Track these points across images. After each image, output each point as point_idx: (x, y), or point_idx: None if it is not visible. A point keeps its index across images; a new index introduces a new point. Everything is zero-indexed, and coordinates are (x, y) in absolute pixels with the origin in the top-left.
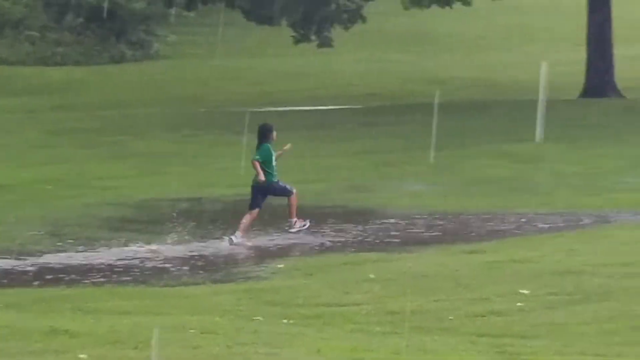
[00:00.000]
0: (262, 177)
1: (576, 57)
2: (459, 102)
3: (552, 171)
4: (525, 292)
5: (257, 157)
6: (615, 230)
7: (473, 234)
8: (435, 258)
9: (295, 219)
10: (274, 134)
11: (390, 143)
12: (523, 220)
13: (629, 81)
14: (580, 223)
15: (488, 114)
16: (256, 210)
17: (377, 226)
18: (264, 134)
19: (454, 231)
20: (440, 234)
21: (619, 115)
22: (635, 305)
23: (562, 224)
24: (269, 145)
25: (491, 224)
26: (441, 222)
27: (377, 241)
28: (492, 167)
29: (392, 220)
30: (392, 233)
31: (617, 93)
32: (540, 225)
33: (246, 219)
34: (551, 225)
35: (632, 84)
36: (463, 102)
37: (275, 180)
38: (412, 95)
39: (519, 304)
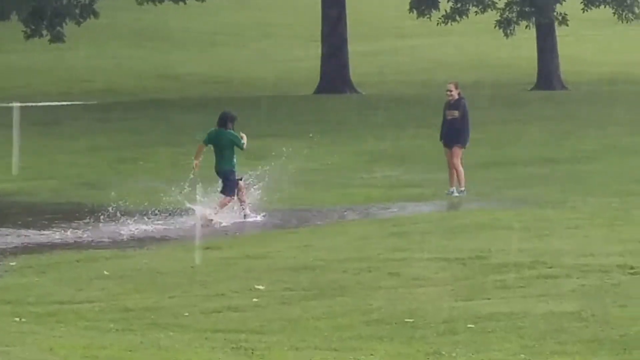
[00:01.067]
0: None
1: (312, 54)
2: (193, 99)
3: (286, 167)
4: (261, 287)
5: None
6: (349, 226)
7: (208, 229)
8: (171, 254)
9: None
10: None
11: (124, 139)
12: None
13: (364, 77)
14: (316, 219)
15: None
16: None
17: (112, 223)
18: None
19: (190, 227)
20: (175, 230)
21: (354, 111)
22: (369, 299)
23: (296, 220)
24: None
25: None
26: (179, 219)
27: (112, 238)
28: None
29: (127, 217)
30: (127, 230)
31: (352, 89)
32: (276, 222)
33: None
34: (286, 221)
35: (367, 80)
36: (197, 98)
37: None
38: (146, 91)
39: (254, 299)
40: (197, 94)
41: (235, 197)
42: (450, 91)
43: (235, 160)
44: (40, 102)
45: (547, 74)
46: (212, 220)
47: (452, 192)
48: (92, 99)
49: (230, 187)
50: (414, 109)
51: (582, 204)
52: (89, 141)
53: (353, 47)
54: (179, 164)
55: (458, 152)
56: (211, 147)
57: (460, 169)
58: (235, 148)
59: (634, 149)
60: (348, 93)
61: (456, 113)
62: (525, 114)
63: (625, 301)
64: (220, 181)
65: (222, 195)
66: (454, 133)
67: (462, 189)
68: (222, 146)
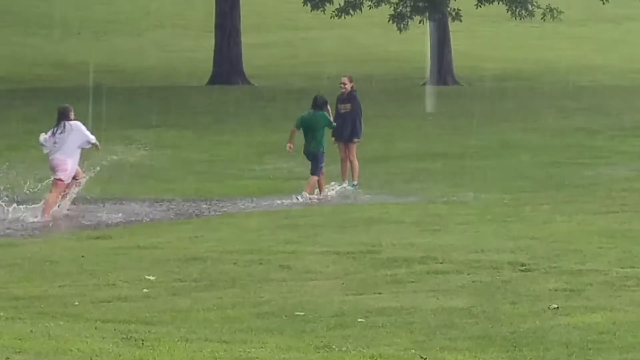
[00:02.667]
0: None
1: (205, 44)
2: (86, 88)
3: (178, 158)
4: (151, 278)
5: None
6: (240, 217)
7: (98, 219)
8: (61, 243)
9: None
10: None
11: (14, 127)
12: (147, 206)
13: (257, 69)
14: (205, 210)
15: (114, 100)
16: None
17: (3, 211)
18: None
19: (80, 216)
20: (66, 218)
21: (246, 103)
22: (260, 292)
23: (187, 211)
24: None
25: (117, 209)
26: (68, 207)
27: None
28: (118, 153)
29: (18, 206)
30: (18, 218)
31: (245, 80)
32: (165, 212)
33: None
34: (176, 211)
35: (260, 72)
36: (89, 87)
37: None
38: (38, 79)
39: (144, 290)
40: (90, 83)
41: None
42: (344, 84)
43: (324, 141)
44: None
45: (440, 69)
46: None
47: (345, 186)
48: None
49: (317, 167)
50: (306, 101)
51: (473, 200)
52: None
53: (246, 39)
54: None
55: (354, 146)
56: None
57: (356, 162)
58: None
59: (524, 146)
60: (241, 84)
61: (349, 106)
62: (417, 109)
63: (516, 298)
64: (310, 162)
65: (311, 176)
66: (348, 127)
67: (355, 182)
68: (315, 128)
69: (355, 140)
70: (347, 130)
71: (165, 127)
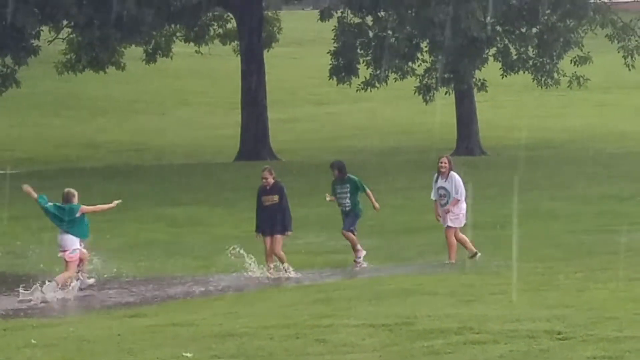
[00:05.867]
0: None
1: (231, 121)
2: (113, 167)
3: (209, 234)
4: (189, 355)
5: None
6: (274, 292)
7: (133, 297)
8: (97, 322)
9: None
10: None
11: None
12: (182, 283)
13: (283, 143)
14: (241, 286)
15: (143, 178)
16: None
17: (37, 291)
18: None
19: (114, 295)
20: (102, 298)
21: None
22: None
23: (221, 287)
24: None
25: (151, 287)
26: (102, 286)
27: (36, 306)
28: (150, 231)
29: (53, 285)
30: (52, 298)
31: (272, 156)
32: (200, 289)
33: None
34: (211, 288)
35: (286, 147)
36: (118, 166)
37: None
38: (67, 159)
39: None
40: (118, 162)
41: None
42: (266, 178)
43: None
44: None
45: (467, 139)
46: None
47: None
48: (13, 168)
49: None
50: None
51: (506, 269)
52: (11, 211)
53: (272, 115)
54: (101, 231)
55: (280, 240)
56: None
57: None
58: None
59: (554, 214)
60: (268, 160)
61: (276, 198)
62: None
63: None
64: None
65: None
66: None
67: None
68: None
69: (284, 234)
70: (276, 223)
71: (195, 204)
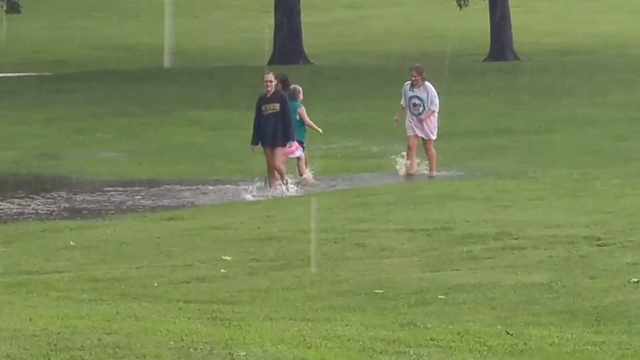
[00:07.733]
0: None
1: (264, 24)
2: (147, 69)
3: (243, 138)
4: (228, 258)
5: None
6: (310, 196)
7: (170, 200)
8: (134, 225)
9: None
10: None
11: (80, 110)
12: (218, 187)
13: (316, 48)
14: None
15: (176, 81)
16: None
17: (73, 193)
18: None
19: (151, 198)
20: (137, 201)
21: (307, 82)
22: (337, 270)
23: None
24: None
25: (187, 190)
26: (137, 189)
27: (74, 208)
28: (184, 135)
29: (87, 187)
30: (89, 200)
31: (305, 60)
32: (237, 192)
33: None
34: (247, 190)
35: (319, 51)
36: (151, 69)
37: None
38: (99, 62)
39: (222, 270)
40: (151, 65)
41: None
42: (270, 81)
43: None
44: None
45: (500, 44)
46: None
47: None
48: (45, 70)
49: None
50: (367, 79)
51: (542, 175)
52: (46, 112)
53: (305, 18)
54: (135, 135)
55: (281, 152)
56: None
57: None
58: None
59: (589, 120)
60: (301, 64)
61: (277, 106)
62: (479, 85)
63: (595, 273)
64: None
65: None
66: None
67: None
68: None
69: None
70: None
71: (229, 107)
